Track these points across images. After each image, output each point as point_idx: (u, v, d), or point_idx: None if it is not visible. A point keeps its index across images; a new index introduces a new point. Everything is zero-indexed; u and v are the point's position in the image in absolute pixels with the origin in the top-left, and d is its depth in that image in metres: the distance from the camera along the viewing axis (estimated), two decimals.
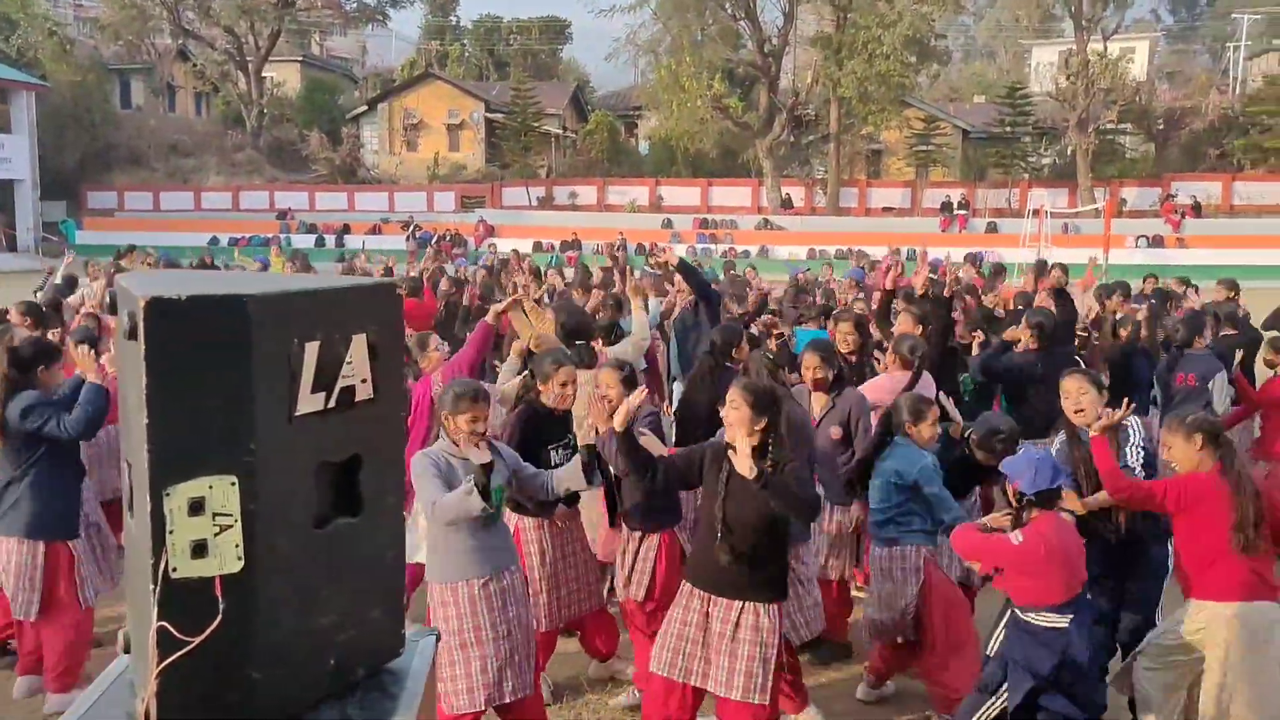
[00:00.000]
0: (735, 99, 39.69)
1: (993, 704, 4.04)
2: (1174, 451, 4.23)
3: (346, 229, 38.42)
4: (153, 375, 1.67)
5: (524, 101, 44.67)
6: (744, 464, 3.75)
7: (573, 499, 4.86)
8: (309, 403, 1.82)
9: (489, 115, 46.11)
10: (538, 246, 34.57)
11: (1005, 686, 4.00)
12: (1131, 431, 4.76)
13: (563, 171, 45.37)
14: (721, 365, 5.82)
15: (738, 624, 3.95)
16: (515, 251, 21.56)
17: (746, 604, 3.96)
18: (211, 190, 43.51)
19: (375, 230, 38.21)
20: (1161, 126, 41.36)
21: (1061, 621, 3.92)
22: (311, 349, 1.81)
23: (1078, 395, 4.86)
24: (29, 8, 44.17)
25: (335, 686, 1.94)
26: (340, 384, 1.87)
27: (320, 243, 37.10)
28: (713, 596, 4.03)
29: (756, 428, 3.88)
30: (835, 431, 5.43)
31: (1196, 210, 36.02)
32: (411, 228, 37.43)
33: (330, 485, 1.91)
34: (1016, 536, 3.96)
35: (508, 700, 4.14)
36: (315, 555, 1.87)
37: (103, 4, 47.61)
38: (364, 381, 1.92)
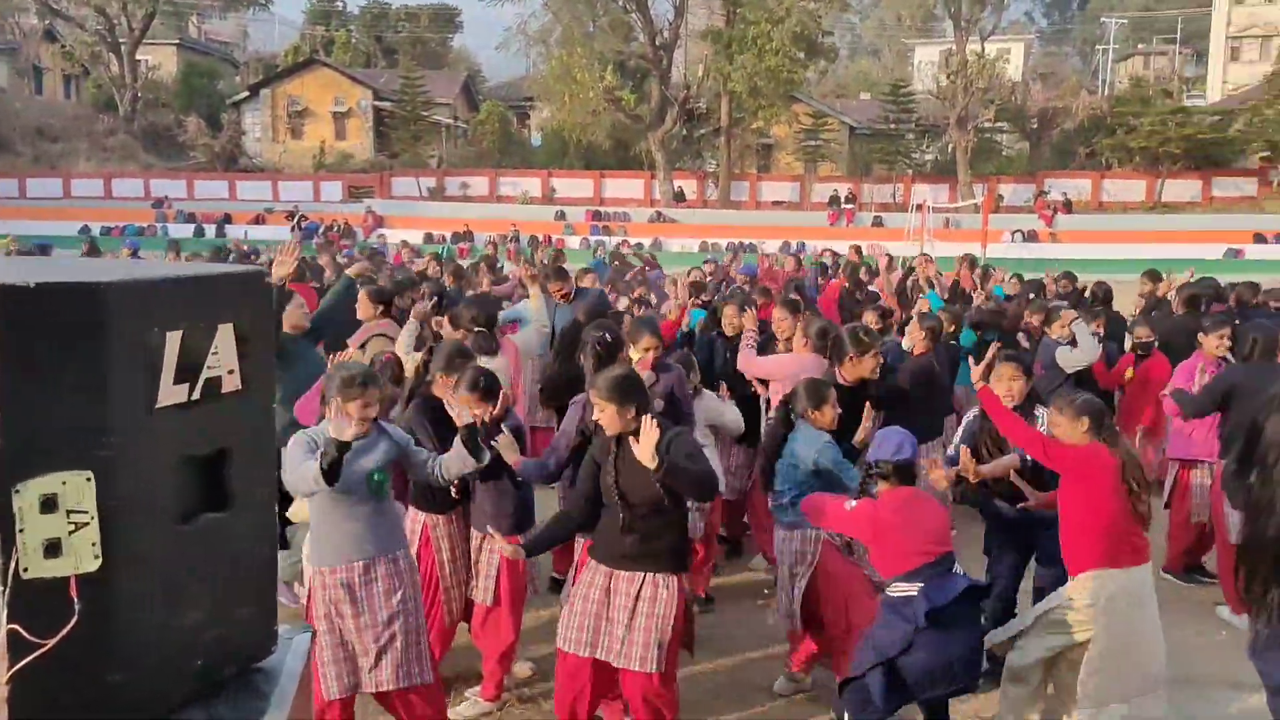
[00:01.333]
0: (627, 91, 39.81)
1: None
2: (1059, 430, 4.40)
3: (228, 219, 37.23)
4: (2, 367, 1.59)
5: (413, 90, 43.95)
6: (645, 455, 3.77)
7: (465, 495, 4.82)
8: (171, 394, 1.75)
9: (377, 104, 45.25)
10: (429, 238, 34.12)
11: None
12: (1040, 422, 4.98)
13: (454, 162, 44.82)
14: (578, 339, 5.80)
15: (638, 596, 3.99)
16: (404, 242, 21.24)
17: (647, 575, 4.00)
18: (82, 177, 41.60)
19: (259, 220, 37.14)
20: (1035, 126, 43.04)
21: (910, 590, 4.06)
22: (173, 338, 1.74)
23: (1009, 381, 5.16)
24: None
25: (203, 686, 1.88)
26: (205, 375, 1.81)
27: (200, 233, 35.85)
28: (614, 570, 4.06)
29: (629, 417, 3.92)
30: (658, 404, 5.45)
31: (1068, 207, 37.60)
32: (297, 218, 36.45)
33: (196, 479, 1.85)
34: (850, 504, 4.24)
35: (371, 690, 4.07)
36: (180, 552, 1.80)
37: None
38: (231, 372, 1.86)
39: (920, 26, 67.98)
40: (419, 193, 41.58)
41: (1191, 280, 10.06)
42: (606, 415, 3.95)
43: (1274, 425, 3.73)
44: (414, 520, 4.88)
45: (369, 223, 36.49)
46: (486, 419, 4.53)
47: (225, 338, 1.83)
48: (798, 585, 4.85)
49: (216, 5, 52.25)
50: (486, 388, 4.66)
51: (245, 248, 22.77)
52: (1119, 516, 4.19)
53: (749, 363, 6.40)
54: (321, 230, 35.07)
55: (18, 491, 1.61)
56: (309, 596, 4.16)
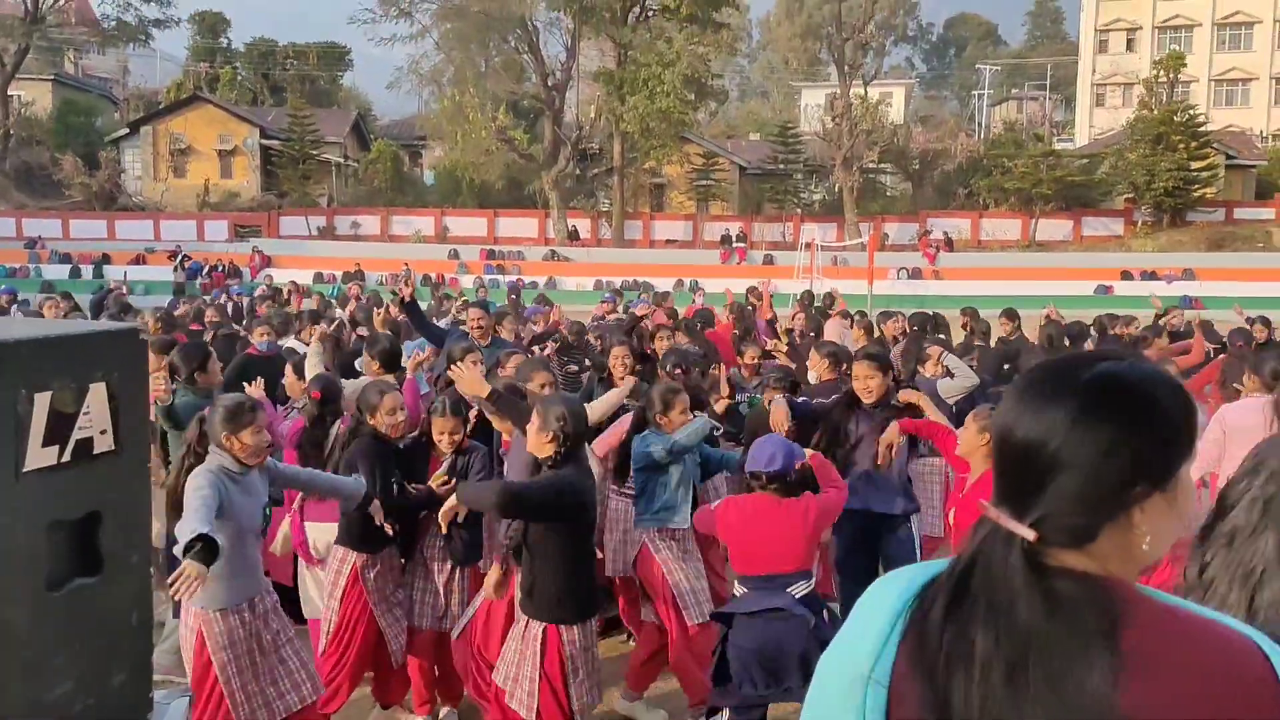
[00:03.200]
0: (520, 131, 39.96)
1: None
2: (963, 433, 4.53)
3: (106, 258, 35.91)
4: None
5: (302, 128, 43.27)
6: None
7: (408, 539, 4.86)
8: (40, 457, 1.71)
9: (264, 142, 44.39)
10: (319, 277, 33.48)
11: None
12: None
13: (345, 201, 44.18)
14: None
15: (522, 637, 3.99)
16: (294, 283, 20.83)
17: (531, 621, 4.00)
18: None
19: (139, 260, 35.91)
20: (917, 167, 44.64)
21: (737, 591, 4.30)
22: (42, 400, 1.70)
23: (865, 378, 5.43)
24: None
25: None
26: (76, 435, 1.77)
27: (76, 273, 34.51)
28: (521, 613, 4.09)
29: (545, 441, 3.96)
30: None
31: (949, 245, 38.99)
32: (180, 257, 35.41)
33: (66, 543, 1.79)
34: (711, 506, 4.55)
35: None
36: (49, 620, 1.75)
37: None
38: (104, 432, 1.82)
39: (806, 70, 70.11)
40: (308, 231, 40.83)
41: (1054, 318, 10.50)
42: (531, 431, 4.04)
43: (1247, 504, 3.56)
44: (340, 559, 4.79)
45: (256, 262, 35.66)
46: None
47: (98, 397, 1.80)
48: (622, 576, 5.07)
49: (95, 40, 50.60)
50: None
51: (125, 288, 22.04)
52: None
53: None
54: (206, 270, 34.15)
55: None
56: (199, 643, 3.95)
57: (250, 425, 3.90)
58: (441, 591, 4.92)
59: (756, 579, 4.22)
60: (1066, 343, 9.27)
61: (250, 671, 3.91)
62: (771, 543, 4.24)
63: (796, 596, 4.19)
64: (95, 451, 1.80)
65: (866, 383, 5.43)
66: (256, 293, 20.88)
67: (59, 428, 1.73)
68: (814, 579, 4.35)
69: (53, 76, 51.40)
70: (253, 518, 4.01)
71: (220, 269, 34.19)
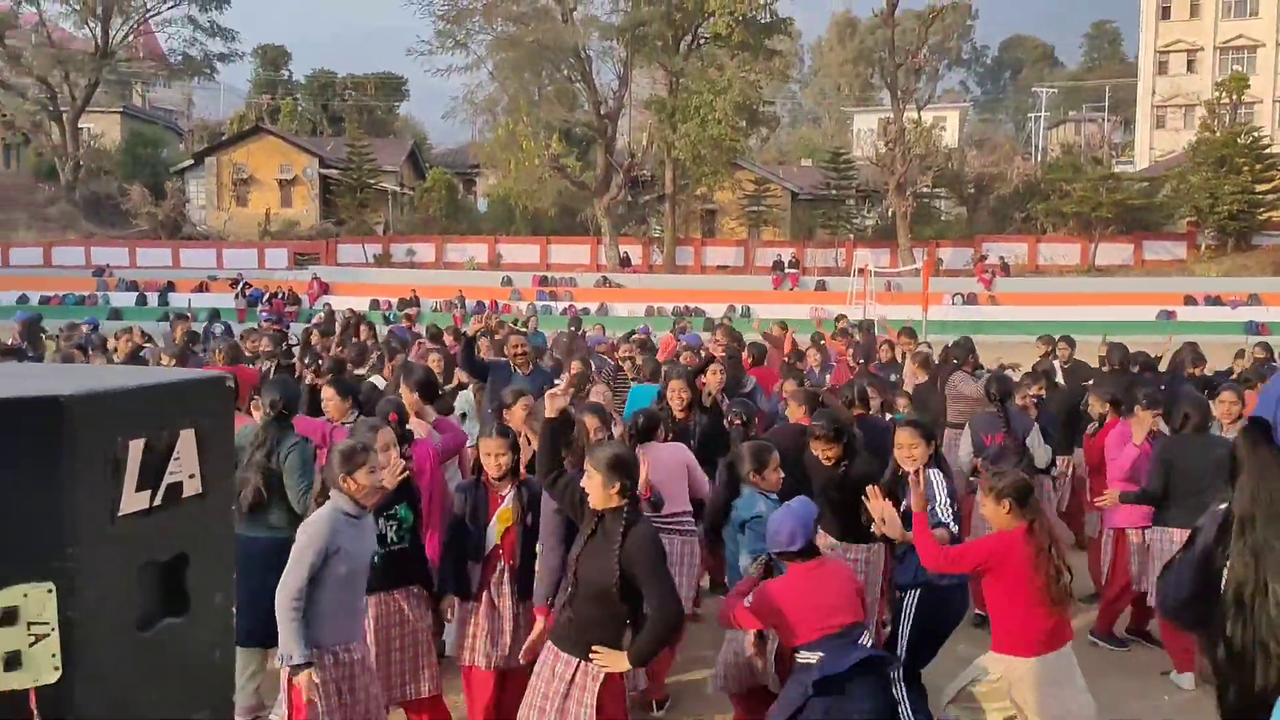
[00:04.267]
0: (573, 159, 40.32)
1: None
2: (986, 510, 4.51)
3: (171, 286, 36.80)
4: None
5: (360, 158, 44.09)
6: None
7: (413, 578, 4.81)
8: (133, 501, 1.77)
9: (323, 171, 45.28)
10: (375, 304, 34.01)
11: None
12: (936, 489, 5.09)
13: (400, 229, 44.86)
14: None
15: (571, 680, 3.93)
16: (351, 310, 21.16)
17: (580, 662, 3.94)
18: (21, 245, 40.96)
19: (202, 287, 36.75)
20: (972, 191, 44.26)
21: (810, 658, 4.15)
22: (136, 446, 1.77)
23: (909, 446, 5.24)
24: None
25: None
26: (167, 480, 1.83)
27: (142, 300, 35.41)
28: (556, 649, 4.03)
29: (612, 493, 3.92)
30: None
31: (1006, 270, 38.55)
32: (241, 285, 36.19)
33: (155, 584, 1.86)
34: (747, 600, 4.37)
35: None
36: (138, 659, 1.81)
37: None
38: (192, 477, 1.88)
39: (859, 95, 69.94)
40: (365, 259, 41.51)
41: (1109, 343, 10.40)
42: (591, 484, 3.95)
43: (1239, 560, 3.55)
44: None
45: (315, 290, 36.30)
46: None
47: (187, 443, 1.86)
48: (739, 644, 4.87)
49: (162, 74, 52.08)
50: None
51: (190, 315, 22.53)
52: (1033, 603, 4.26)
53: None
54: (266, 298, 34.84)
55: None
56: (292, 689, 4.04)
57: (364, 466, 4.01)
58: (508, 630, 4.85)
59: (830, 639, 4.16)
60: (1135, 369, 9.18)
61: (339, 713, 3.98)
62: (836, 600, 4.24)
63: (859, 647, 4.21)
64: (184, 495, 1.86)
65: (910, 451, 5.26)
66: (312, 321, 21.23)
67: (151, 473, 1.79)
68: (868, 630, 4.36)
69: (121, 109, 52.96)
70: (363, 558, 4.11)
71: (280, 296, 34.84)
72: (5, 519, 1.64)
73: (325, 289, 36.65)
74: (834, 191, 43.74)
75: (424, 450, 5.82)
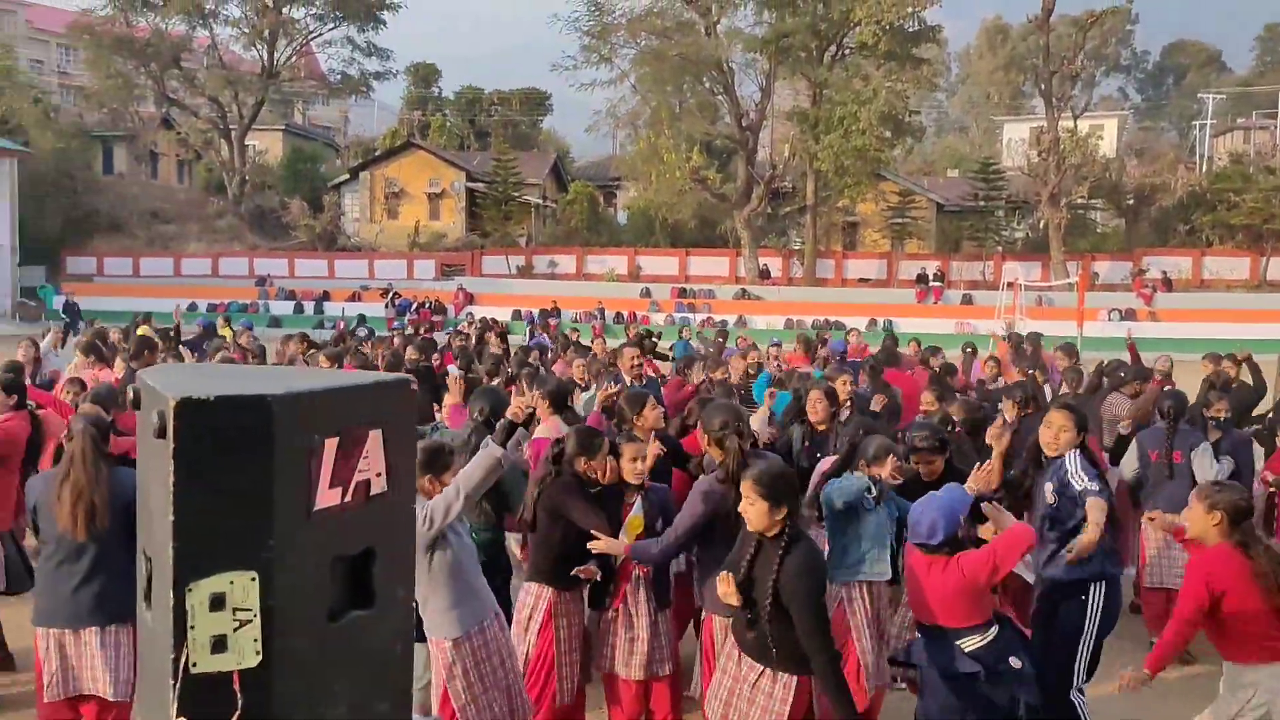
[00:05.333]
0: (713, 171, 40.34)
1: None
2: (1190, 513, 4.33)
3: (326, 296, 38.49)
4: (180, 473, 1.71)
5: (504, 171, 45.18)
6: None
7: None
8: (327, 498, 1.86)
9: (470, 184, 46.57)
10: (517, 315, 34.75)
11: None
12: (1072, 463, 5.06)
13: (542, 240, 45.75)
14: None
15: (755, 685, 3.93)
16: (485, 319, 21.68)
17: (765, 669, 3.91)
18: (191, 257, 43.54)
19: (355, 297, 38.31)
20: (1131, 202, 42.23)
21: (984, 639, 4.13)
22: (330, 445, 1.85)
23: (1060, 429, 5.12)
24: (13, 75, 44.56)
25: None
26: (356, 478, 1.92)
27: (299, 309, 37.15)
28: (741, 654, 4.02)
29: (776, 519, 3.81)
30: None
31: (1168, 284, 36.69)
32: (390, 295, 37.56)
33: (344, 578, 1.94)
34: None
35: None
36: (329, 648, 1.89)
37: (88, 72, 48.07)
38: (379, 475, 1.96)
39: (1009, 104, 67.80)
40: (508, 270, 42.49)
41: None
42: (754, 511, 3.81)
43: None
44: (535, 595, 4.87)
45: (460, 300, 37.36)
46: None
47: (375, 443, 1.94)
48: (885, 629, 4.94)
49: (322, 93, 54.58)
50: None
51: (342, 325, 23.51)
52: (1262, 614, 4.11)
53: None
54: (414, 307, 36.04)
55: (190, 590, 1.72)
56: (443, 676, 4.17)
57: (450, 468, 4.15)
58: (648, 639, 4.85)
59: (926, 629, 4.21)
60: None
61: (484, 699, 4.08)
62: (929, 598, 4.14)
63: (967, 651, 4.05)
64: (372, 493, 1.94)
65: (1058, 434, 5.13)
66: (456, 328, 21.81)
67: (343, 471, 1.87)
68: (991, 629, 4.12)
69: (283, 126, 55.73)
70: (471, 549, 4.23)
71: (427, 306, 35.98)
72: (217, 509, 1.74)
73: (470, 299, 37.67)
74: (982, 203, 42.47)
75: (539, 448, 5.96)
